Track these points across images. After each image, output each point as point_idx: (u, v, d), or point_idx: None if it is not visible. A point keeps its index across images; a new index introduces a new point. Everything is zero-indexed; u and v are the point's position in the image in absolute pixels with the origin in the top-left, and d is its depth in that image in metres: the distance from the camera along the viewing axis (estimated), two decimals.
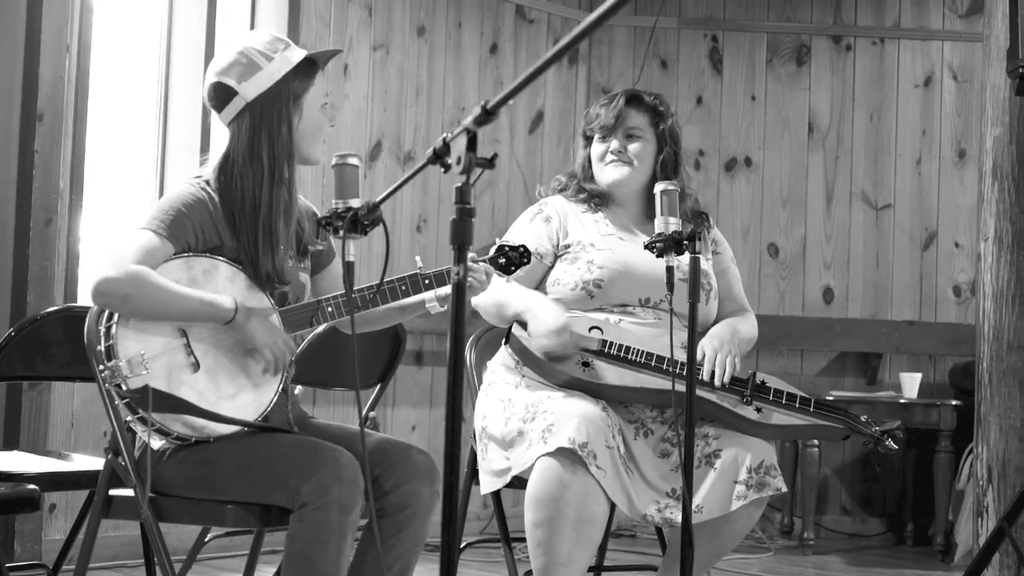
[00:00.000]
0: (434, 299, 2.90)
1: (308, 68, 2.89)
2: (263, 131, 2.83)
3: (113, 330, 2.66)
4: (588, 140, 3.50)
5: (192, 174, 2.92)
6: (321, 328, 3.38)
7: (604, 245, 3.35)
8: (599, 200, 3.47)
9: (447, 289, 2.86)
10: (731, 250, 3.59)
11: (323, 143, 2.95)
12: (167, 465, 2.78)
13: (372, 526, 2.71)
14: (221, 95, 2.86)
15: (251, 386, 2.77)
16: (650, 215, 3.37)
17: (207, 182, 2.86)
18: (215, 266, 2.78)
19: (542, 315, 3.18)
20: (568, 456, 2.98)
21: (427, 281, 2.83)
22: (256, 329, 2.74)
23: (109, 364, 2.65)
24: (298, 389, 3.05)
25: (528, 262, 2.87)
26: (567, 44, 1.79)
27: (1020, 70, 3.88)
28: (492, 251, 2.82)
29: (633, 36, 6.35)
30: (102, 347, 2.68)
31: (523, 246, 2.85)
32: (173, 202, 2.79)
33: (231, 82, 2.84)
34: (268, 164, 2.83)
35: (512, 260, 2.84)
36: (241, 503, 2.75)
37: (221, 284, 2.77)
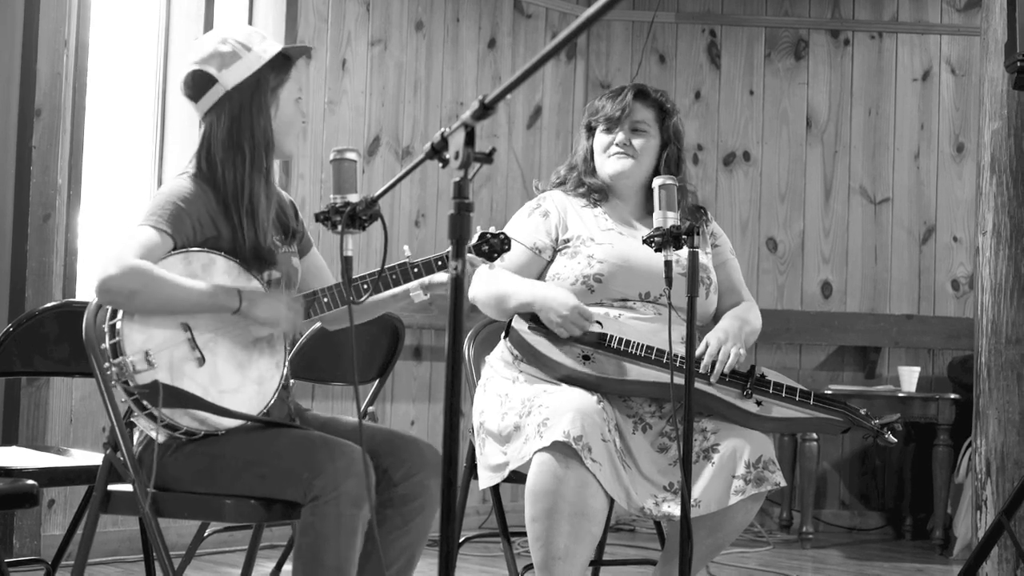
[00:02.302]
0: (418, 288, 2.91)
1: (283, 62, 2.91)
2: (242, 120, 2.84)
3: (118, 327, 2.66)
4: (591, 131, 3.49)
5: (182, 168, 2.92)
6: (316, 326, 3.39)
7: (604, 239, 3.35)
8: (599, 194, 3.47)
9: (432, 277, 2.87)
10: (730, 242, 3.59)
11: (296, 138, 2.96)
12: (173, 459, 2.78)
13: (372, 520, 2.71)
14: (200, 83, 2.86)
15: (253, 380, 2.78)
16: (650, 210, 3.36)
17: (193, 176, 2.86)
18: (212, 260, 2.79)
19: (551, 303, 3.19)
20: (563, 450, 2.98)
21: (416, 269, 2.84)
22: (263, 310, 2.75)
23: (116, 361, 2.65)
24: (291, 382, 3.05)
25: (509, 249, 2.86)
26: (565, 39, 1.79)
27: (1018, 63, 3.88)
28: (475, 239, 2.82)
29: (631, 31, 6.35)
30: (107, 344, 2.67)
31: (503, 233, 2.84)
32: (170, 196, 2.80)
33: (211, 70, 2.84)
34: (250, 153, 2.84)
35: (494, 247, 2.84)
36: (243, 497, 2.75)
37: (219, 278, 2.78)
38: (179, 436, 2.74)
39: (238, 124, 2.84)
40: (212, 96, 2.85)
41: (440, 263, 2.84)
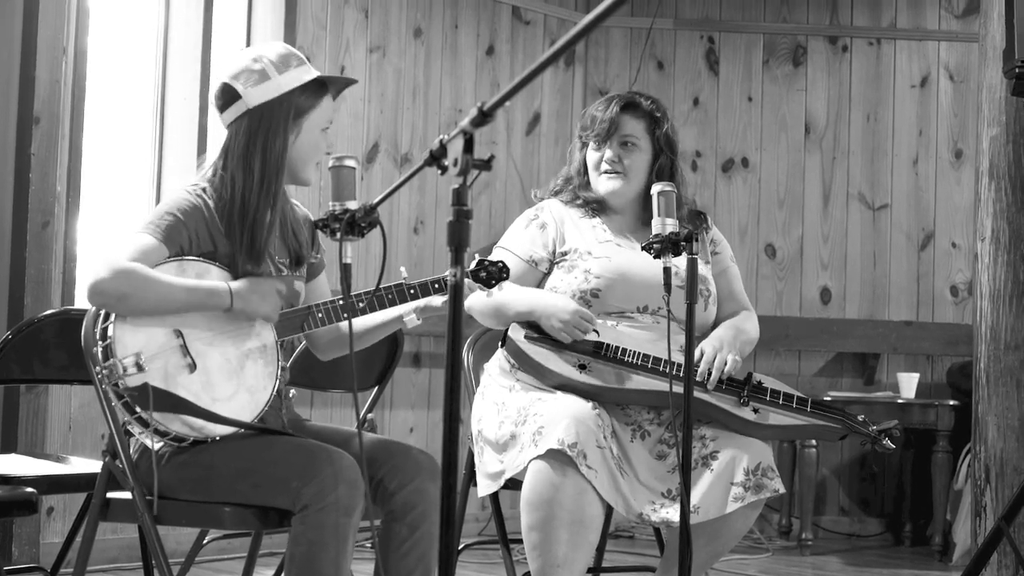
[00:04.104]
0: (411, 312, 2.90)
1: (317, 89, 2.90)
2: (258, 140, 2.84)
3: (110, 330, 2.67)
4: (585, 144, 3.48)
5: (190, 181, 2.92)
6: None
7: (601, 252, 3.33)
8: (596, 207, 3.45)
9: (427, 300, 2.86)
10: (730, 249, 3.57)
11: (316, 166, 2.95)
12: (166, 468, 2.78)
13: (371, 524, 2.71)
14: (226, 97, 2.87)
15: (246, 388, 2.78)
16: (646, 221, 3.35)
17: (203, 189, 2.86)
18: (207, 270, 2.79)
19: (552, 310, 3.18)
20: (558, 458, 2.97)
21: (412, 291, 2.83)
22: (255, 305, 2.76)
23: (107, 363, 2.66)
24: (292, 392, 3.05)
25: (507, 277, 2.86)
26: (564, 45, 1.79)
27: (1016, 70, 3.89)
28: (473, 265, 2.82)
29: (629, 37, 6.36)
30: (99, 348, 2.68)
31: (502, 261, 2.84)
32: (169, 207, 2.80)
33: (237, 85, 2.85)
34: (259, 174, 2.84)
35: (492, 275, 2.84)
36: (241, 505, 2.75)
37: None
38: (170, 443, 2.74)
39: (253, 143, 2.84)
40: (234, 111, 2.86)
41: (437, 286, 2.83)
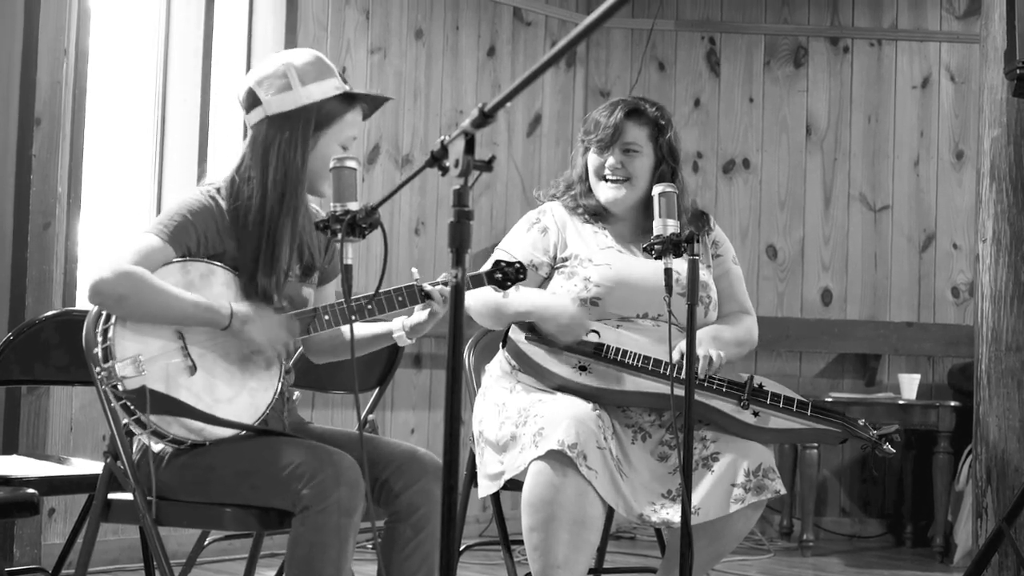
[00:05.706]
0: (401, 330, 2.89)
1: (342, 103, 2.88)
2: (275, 150, 2.82)
3: (110, 332, 2.67)
4: (587, 148, 3.46)
5: (206, 181, 2.91)
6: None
7: (602, 260, 3.31)
8: (596, 215, 3.43)
9: (417, 317, 2.85)
10: (733, 250, 3.56)
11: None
12: (167, 470, 2.78)
13: (372, 526, 2.71)
14: (249, 100, 2.87)
15: (248, 390, 2.78)
16: (647, 228, 3.33)
17: (218, 190, 2.86)
18: (212, 271, 2.78)
19: (550, 313, 3.18)
20: (559, 459, 2.98)
21: (423, 292, 2.81)
22: (254, 332, 2.74)
23: (106, 365, 2.66)
24: (296, 394, 3.05)
25: (524, 278, 2.86)
26: (565, 46, 1.79)
27: (1018, 71, 3.89)
28: (489, 265, 2.82)
29: (630, 38, 6.36)
30: (99, 349, 2.68)
31: (519, 262, 2.84)
32: (179, 207, 2.80)
33: (260, 91, 2.84)
34: (272, 184, 2.81)
35: (508, 276, 2.83)
36: (241, 506, 2.75)
37: (217, 289, 2.77)
38: (170, 444, 2.74)
39: (270, 152, 2.82)
40: (255, 116, 2.86)
41: (423, 292, 2.80)
